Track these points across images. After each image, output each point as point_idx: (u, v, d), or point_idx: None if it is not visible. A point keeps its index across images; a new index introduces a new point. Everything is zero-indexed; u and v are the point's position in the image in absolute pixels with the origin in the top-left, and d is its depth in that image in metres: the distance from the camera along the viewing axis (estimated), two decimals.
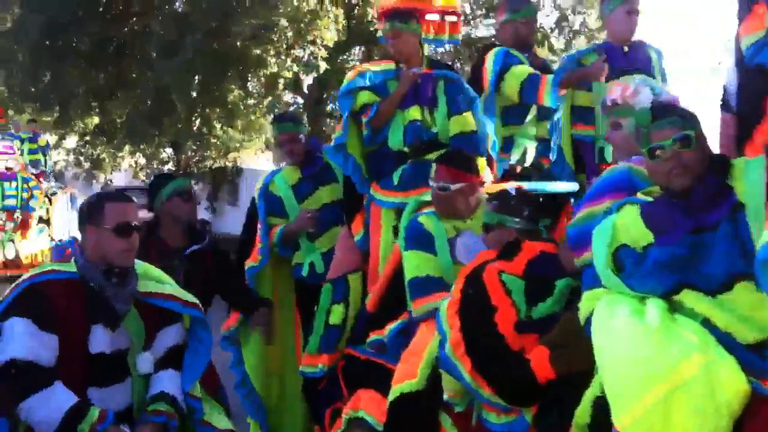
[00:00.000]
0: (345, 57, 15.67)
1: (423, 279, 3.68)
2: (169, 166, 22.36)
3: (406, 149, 4.38)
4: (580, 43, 14.83)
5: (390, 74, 4.48)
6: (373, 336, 4.10)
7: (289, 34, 12.95)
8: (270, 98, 15.24)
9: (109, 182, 22.47)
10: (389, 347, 3.97)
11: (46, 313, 2.90)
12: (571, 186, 4.19)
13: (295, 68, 13.68)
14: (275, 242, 4.91)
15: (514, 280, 3.07)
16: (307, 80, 15.84)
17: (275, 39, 12.98)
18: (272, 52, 13.23)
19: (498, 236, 3.38)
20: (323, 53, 13.19)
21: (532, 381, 2.85)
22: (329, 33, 13.09)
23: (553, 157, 4.67)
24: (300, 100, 16.89)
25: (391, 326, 3.98)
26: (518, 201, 3.42)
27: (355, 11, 14.41)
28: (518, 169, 4.63)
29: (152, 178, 4.70)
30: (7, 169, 14.47)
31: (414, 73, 4.39)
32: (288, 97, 16.85)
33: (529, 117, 4.78)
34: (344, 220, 4.77)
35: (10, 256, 14.11)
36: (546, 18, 15.51)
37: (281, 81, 13.87)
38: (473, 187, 3.82)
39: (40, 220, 14.61)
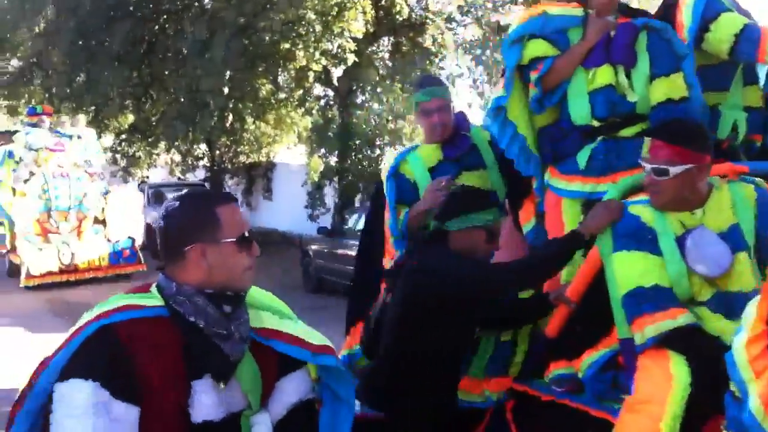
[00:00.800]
0: (374, 48, 15.70)
1: (649, 290, 2.75)
2: (204, 162, 22.64)
3: (594, 123, 3.39)
4: None
5: (573, 21, 3.45)
6: (556, 369, 3.21)
7: (318, 27, 12.99)
8: (300, 91, 15.33)
9: (145, 179, 22.74)
10: (588, 386, 3.05)
11: (123, 372, 1.95)
12: None
13: (324, 61, 13.73)
14: (400, 231, 3.83)
15: None
16: (337, 72, 15.90)
17: (303, 33, 13.03)
18: (301, 46, 13.29)
19: None
20: (351, 45, 13.22)
21: None
22: (357, 24, 13.11)
23: None
24: (330, 93, 16.96)
25: (591, 357, 3.05)
26: None
27: (383, 2, 14.40)
28: (725, 145, 3.54)
29: (463, 192, 3.38)
30: (58, 166, 13.85)
31: (608, 21, 3.38)
32: (318, 89, 16.93)
33: (734, 81, 3.58)
34: (505, 209, 3.81)
35: (66, 260, 13.49)
36: None
37: (311, 74, 13.93)
38: (703, 168, 2.86)
39: (95, 220, 14.01)
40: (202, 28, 15.37)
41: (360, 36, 13.46)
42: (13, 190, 13.68)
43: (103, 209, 14.11)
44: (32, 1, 18.75)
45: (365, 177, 15.87)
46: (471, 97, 16.35)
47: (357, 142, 16.02)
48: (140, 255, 14.36)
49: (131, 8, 18.63)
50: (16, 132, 15.18)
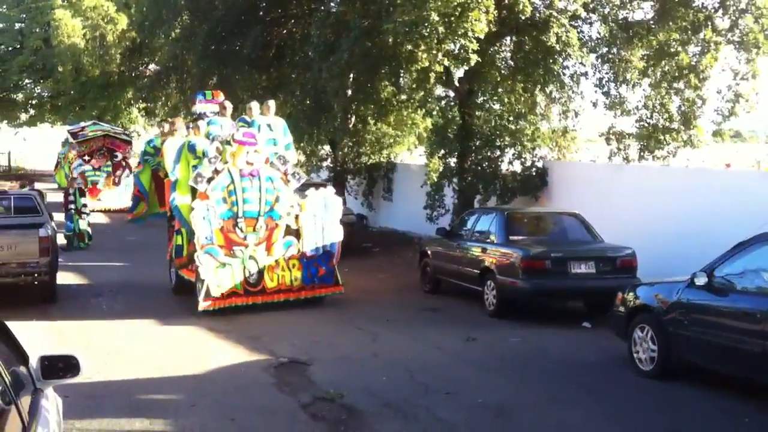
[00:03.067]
0: (495, 48, 15.51)
1: None
2: (328, 163, 23.13)
3: None
4: (747, 22, 13.85)
5: None
6: None
7: (440, 28, 12.97)
8: (421, 93, 15.36)
9: None
10: None
11: None
12: None
13: (446, 62, 13.67)
14: None
15: None
16: (458, 73, 15.82)
17: (426, 34, 13.05)
18: (423, 48, 13.30)
19: None
20: (474, 45, 13.12)
21: None
22: (480, 24, 12.99)
23: None
24: (451, 93, 16.90)
25: None
26: None
27: (506, 0, 14.22)
28: None
29: None
30: (247, 163, 11.22)
31: None
32: (439, 90, 16.91)
33: None
34: None
35: (254, 279, 11.10)
36: None
37: (432, 75, 13.93)
38: None
39: (287, 230, 11.52)
40: (327, 32, 15.72)
41: (482, 36, 13.32)
42: (193, 190, 11.26)
43: (297, 217, 11.58)
44: (169, 8, 19.69)
45: (485, 178, 15.73)
46: (596, 96, 15.91)
47: (477, 142, 15.89)
48: (338, 274, 11.97)
49: (261, 13, 19.28)
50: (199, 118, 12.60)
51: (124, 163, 27.10)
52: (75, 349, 4.09)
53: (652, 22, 14.70)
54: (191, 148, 11.54)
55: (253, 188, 11.16)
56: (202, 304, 10.72)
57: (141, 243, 18.92)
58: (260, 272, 11.16)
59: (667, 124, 15.13)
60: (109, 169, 27.08)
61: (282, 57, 19.56)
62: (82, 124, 28.70)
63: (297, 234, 11.57)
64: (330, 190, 12.30)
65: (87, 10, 35.35)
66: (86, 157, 26.59)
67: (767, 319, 6.64)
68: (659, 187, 13.09)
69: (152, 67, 31.07)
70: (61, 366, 3.72)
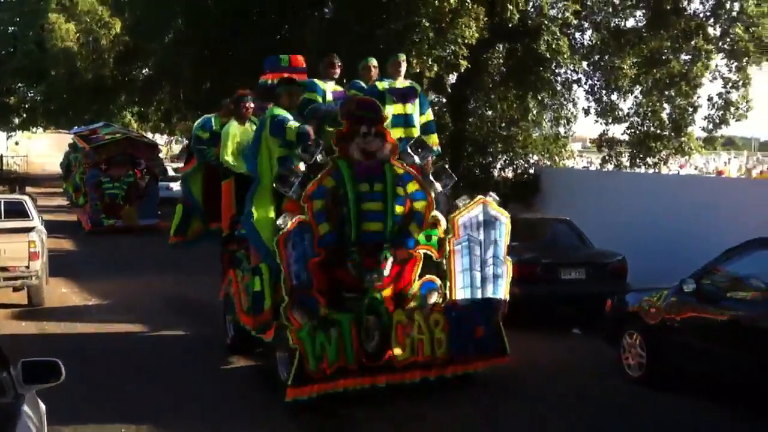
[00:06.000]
0: (488, 55, 15.56)
1: None
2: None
3: None
4: (738, 31, 13.95)
5: None
6: None
7: (431, 34, 13.01)
8: None
9: None
10: None
11: None
12: None
13: (437, 68, 13.72)
14: None
15: None
16: (450, 79, 15.86)
17: (417, 40, 13.08)
18: (414, 53, 13.34)
19: None
20: (464, 52, 13.16)
21: None
22: (470, 31, 13.03)
23: None
24: (443, 100, 16.94)
25: None
26: None
27: (497, 8, 14.28)
28: None
29: None
30: (364, 154, 6.99)
31: None
32: (432, 96, 16.94)
33: None
34: None
35: (373, 345, 6.83)
36: (701, 5, 14.74)
37: (424, 81, 13.95)
38: None
39: (426, 265, 7.33)
40: (322, 37, 15.74)
41: (474, 42, 13.36)
42: (277, 198, 7.10)
43: (441, 243, 7.30)
44: (164, 13, 19.70)
45: (477, 184, 15.74)
46: (588, 104, 15.98)
47: (469, 149, 15.91)
48: (504, 336, 7.64)
49: (255, 19, 19.30)
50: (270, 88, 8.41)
51: (147, 172, 22.34)
52: (63, 355, 4.09)
53: (643, 30, 14.79)
54: (276, 126, 7.12)
55: (374, 195, 6.94)
56: (294, 392, 6.58)
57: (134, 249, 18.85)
58: (384, 335, 6.86)
59: (658, 131, 15.21)
60: (131, 179, 22.16)
61: None
62: (92, 126, 25.05)
63: (441, 271, 7.38)
64: (492, 197, 7.85)
65: (81, 14, 35.32)
66: (102, 166, 21.90)
67: (754, 326, 6.67)
68: (651, 194, 13.14)
69: (145, 71, 31.13)
70: (43, 371, 3.71)
